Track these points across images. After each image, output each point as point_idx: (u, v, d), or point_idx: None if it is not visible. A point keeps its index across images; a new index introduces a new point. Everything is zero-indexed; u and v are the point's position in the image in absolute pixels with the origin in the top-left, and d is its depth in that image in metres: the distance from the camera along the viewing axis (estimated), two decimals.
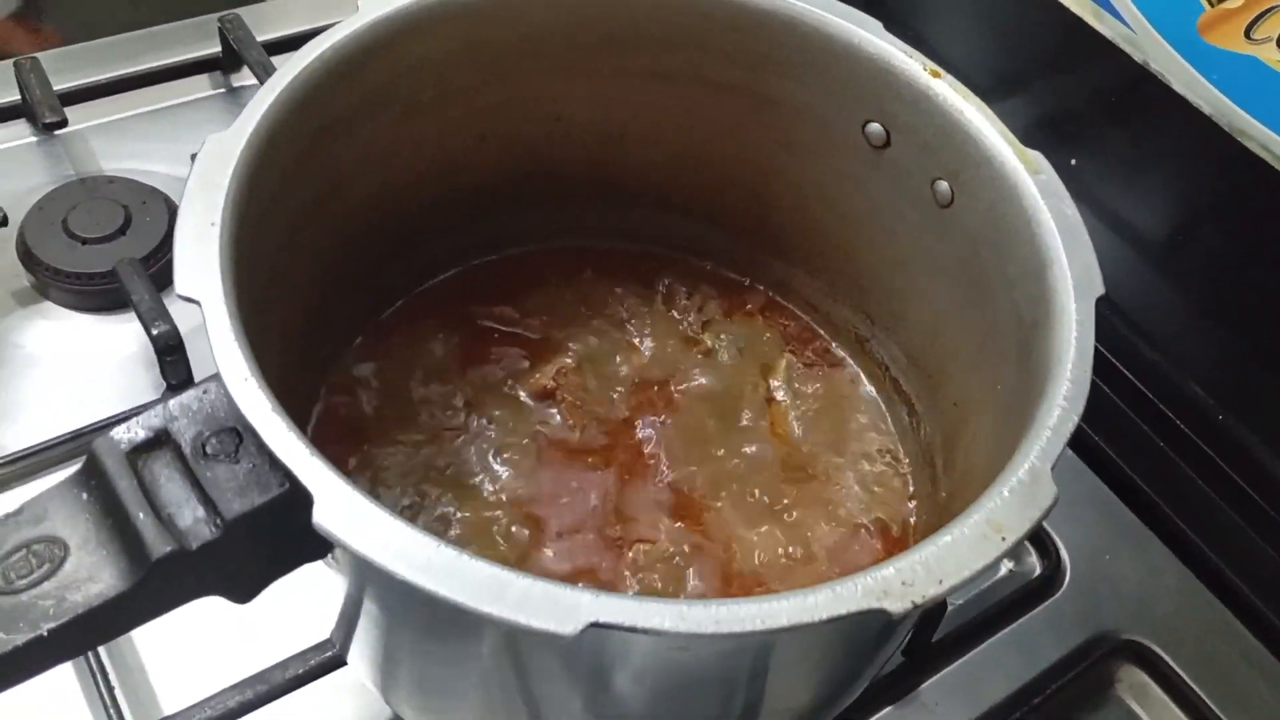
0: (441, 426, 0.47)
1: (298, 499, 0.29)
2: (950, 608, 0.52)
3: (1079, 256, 0.37)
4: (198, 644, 0.46)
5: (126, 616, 0.30)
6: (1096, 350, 0.61)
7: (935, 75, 0.42)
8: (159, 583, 0.30)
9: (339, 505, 0.29)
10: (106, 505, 0.30)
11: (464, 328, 0.51)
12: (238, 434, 0.31)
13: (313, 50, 0.39)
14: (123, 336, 0.57)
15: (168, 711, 0.44)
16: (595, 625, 0.27)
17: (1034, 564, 0.56)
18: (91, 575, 0.29)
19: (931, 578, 0.29)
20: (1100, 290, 0.36)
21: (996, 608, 0.54)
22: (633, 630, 0.28)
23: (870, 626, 0.34)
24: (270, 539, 0.31)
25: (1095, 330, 0.35)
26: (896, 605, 0.29)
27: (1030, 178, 0.39)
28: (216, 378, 0.31)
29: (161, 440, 0.31)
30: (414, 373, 0.49)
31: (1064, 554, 0.56)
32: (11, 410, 0.55)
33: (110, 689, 0.45)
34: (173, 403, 0.31)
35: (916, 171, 0.44)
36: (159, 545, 0.29)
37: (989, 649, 0.53)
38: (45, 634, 0.29)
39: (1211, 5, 0.50)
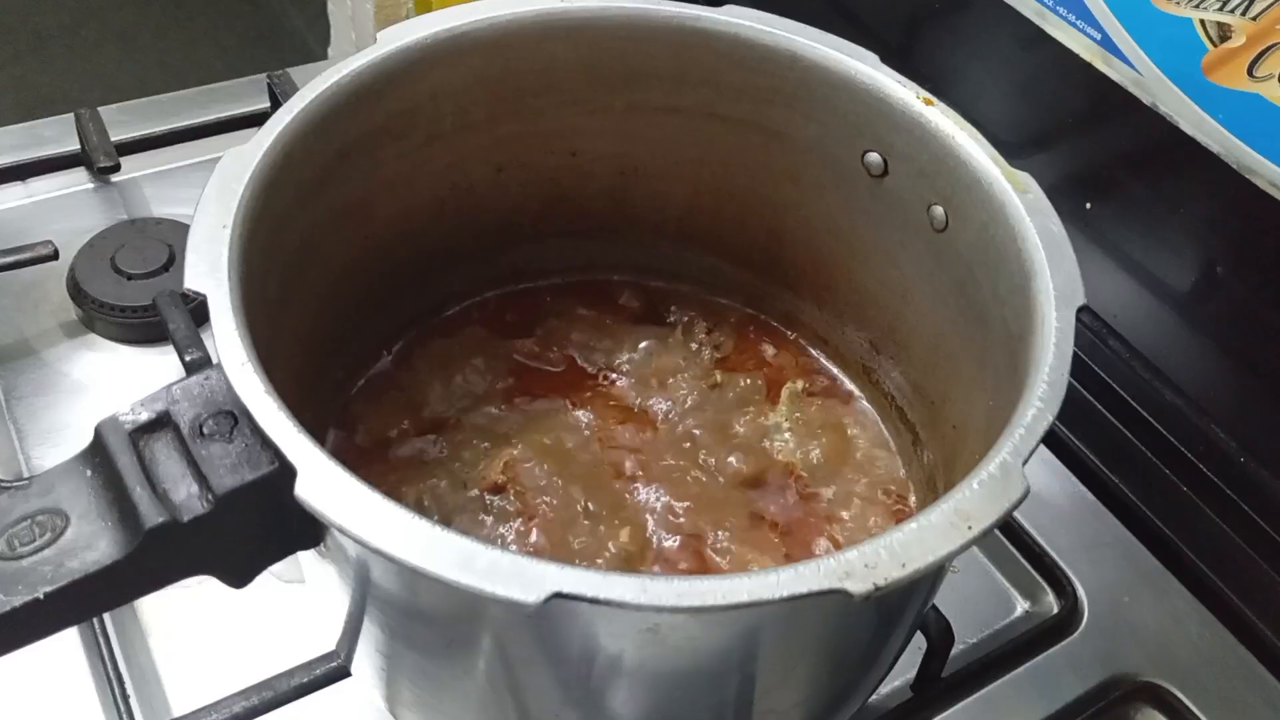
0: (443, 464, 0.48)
1: (286, 477, 0.30)
2: (961, 645, 0.52)
3: (1062, 268, 0.38)
4: (210, 650, 0.48)
5: (121, 585, 0.32)
6: (1116, 394, 0.61)
7: (928, 103, 0.44)
8: (152, 553, 0.31)
9: (321, 479, 0.30)
10: (108, 480, 0.32)
11: (494, 360, 0.53)
12: (233, 416, 0.32)
13: (332, 75, 0.41)
14: (162, 367, 0.60)
15: (177, 713, 0.45)
16: (558, 595, 0.28)
17: (1050, 604, 0.55)
18: (89, 544, 0.31)
19: (895, 561, 0.30)
20: (1081, 300, 0.37)
21: (1010, 646, 0.53)
22: (595, 601, 0.28)
23: (848, 619, 0.34)
24: (260, 518, 0.33)
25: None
26: (858, 586, 0.29)
27: (1018, 197, 0.40)
28: (218, 366, 0.33)
29: (163, 422, 0.33)
30: (428, 402, 0.50)
31: (1082, 594, 0.55)
32: (56, 434, 0.57)
33: (124, 691, 0.46)
34: (175, 387, 0.33)
35: (913, 198, 0.45)
36: (152, 516, 0.31)
37: (1001, 687, 0.52)
38: (42, 597, 0.30)
39: (1215, 45, 0.51)
